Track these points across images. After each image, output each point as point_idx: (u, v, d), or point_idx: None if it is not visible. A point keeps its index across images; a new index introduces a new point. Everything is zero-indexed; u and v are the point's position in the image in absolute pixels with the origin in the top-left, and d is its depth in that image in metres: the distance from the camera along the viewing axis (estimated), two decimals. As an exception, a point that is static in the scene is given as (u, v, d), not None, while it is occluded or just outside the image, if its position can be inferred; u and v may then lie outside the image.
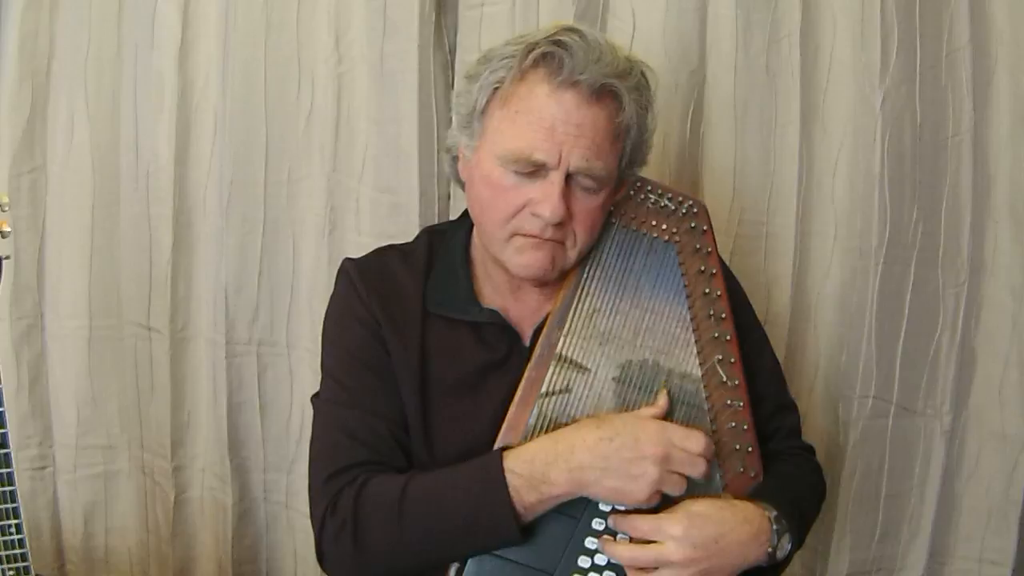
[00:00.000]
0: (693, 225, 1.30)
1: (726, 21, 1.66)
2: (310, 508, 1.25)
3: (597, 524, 1.19)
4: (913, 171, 1.71)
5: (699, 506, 1.18)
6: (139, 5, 1.72)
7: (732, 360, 1.27)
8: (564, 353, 1.24)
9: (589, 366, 1.25)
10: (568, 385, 1.24)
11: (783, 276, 1.73)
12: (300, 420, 1.80)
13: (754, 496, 1.23)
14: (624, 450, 1.14)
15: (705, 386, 1.26)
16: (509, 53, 1.20)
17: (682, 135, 1.71)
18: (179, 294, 1.79)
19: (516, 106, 1.19)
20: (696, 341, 1.27)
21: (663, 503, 1.17)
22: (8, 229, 1.34)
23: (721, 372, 1.26)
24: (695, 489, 1.19)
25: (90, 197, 1.76)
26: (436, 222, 1.72)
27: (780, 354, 1.65)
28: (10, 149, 1.72)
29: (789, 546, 1.20)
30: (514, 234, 1.22)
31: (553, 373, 1.23)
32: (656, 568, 1.15)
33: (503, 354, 1.29)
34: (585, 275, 1.28)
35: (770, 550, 1.18)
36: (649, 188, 1.31)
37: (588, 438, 1.16)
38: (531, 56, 1.18)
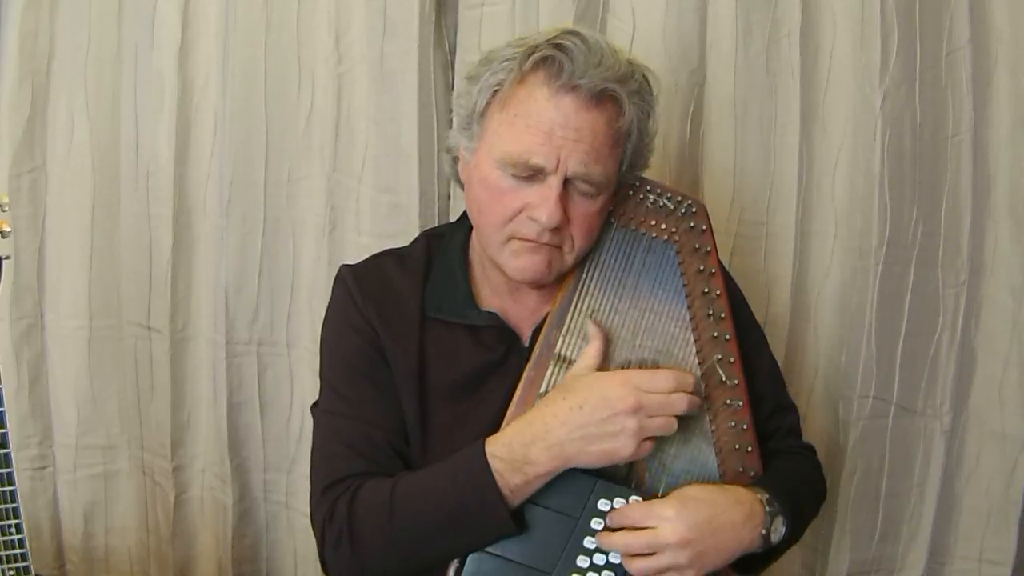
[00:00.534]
0: (692, 225, 1.30)
1: (726, 21, 1.66)
2: (311, 519, 1.26)
3: (596, 524, 1.19)
4: (913, 171, 1.71)
5: (691, 490, 1.19)
6: (139, 5, 1.72)
7: (731, 359, 1.27)
8: (563, 353, 1.24)
9: (588, 366, 1.25)
10: (567, 385, 1.24)
11: (783, 276, 1.73)
12: (300, 420, 1.80)
13: (748, 485, 1.24)
14: (596, 412, 1.14)
15: (704, 385, 1.26)
16: (509, 55, 1.20)
17: (682, 135, 1.71)
18: (179, 294, 1.79)
19: (515, 109, 1.18)
20: (695, 340, 1.27)
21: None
22: (8, 229, 1.34)
23: (720, 371, 1.26)
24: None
25: (90, 197, 1.76)
26: (436, 222, 1.72)
27: (780, 354, 1.65)
28: (10, 149, 1.72)
29: (783, 529, 1.20)
30: (511, 237, 1.22)
31: (552, 373, 1.23)
32: (653, 554, 1.15)
33: (501, 355, 1.29)
34: (584, 275, 1.28)
35: (764, 532, 1.18)
36: (648, 188, 1.31)
37: (559, 412, 1.16)
38: (531, 59, 1.18)
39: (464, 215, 1.35)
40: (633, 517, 1.17)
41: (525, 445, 1.15)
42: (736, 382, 1.27)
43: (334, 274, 1.35)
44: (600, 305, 1.28)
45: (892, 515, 1.83)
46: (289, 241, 1.77)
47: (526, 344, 1.29)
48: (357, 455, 1.24)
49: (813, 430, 1.71)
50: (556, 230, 1.20)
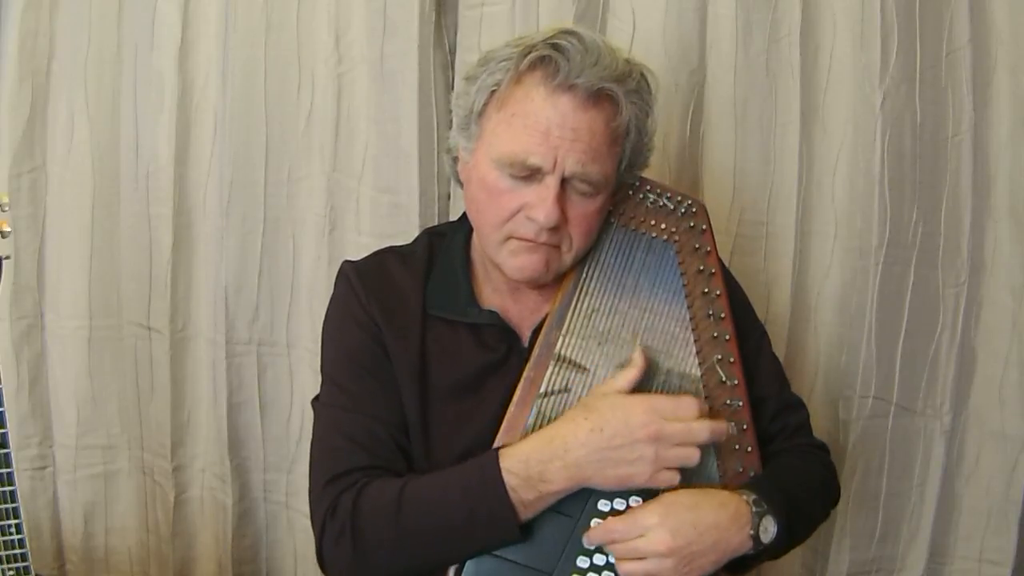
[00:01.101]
0: (692, 224, 1.30)
1: (726, 21, 1.66)
2: (310, 512, 1.25)
3: (596, 524, 1.19)
4: (913, 171, 1.72)
5: (674, 496, 1.18)
6: (139, 5, 1.72)
7: (731, 359, 1.27)
8: (563, 353, 1.24)
9: (588, 366, 1.25)
10: (567, 385, 1.24)
11: (783, 276, 1.73)
12: (300, 420, 1.80)
13: (735, 486, 1.23)
14: (616, 437, 1.14)
15: (704, 386, 1.26)
16: (506, 55, 1.20)
17: (682, 135, 1.71)
18: (179, 294, 1.79)
19: (512, 109, 1.18)
20: (695, 341, 1.27)
21: (684, 481, 1.18)
22: (8, 229, 1.34)
23: (720, 372, 1.26)
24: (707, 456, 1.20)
25: (90, 197, 1.76)
26: (436, 222, 1.72)
27: (780, 354, 1.65)
28: (10, 149, 1.72)
29: (774, 529, 1.18)
30: (509, 237, 1.22)
31: (552, 373, 1.23)
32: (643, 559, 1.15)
33: (502, 355, 1.28)
34: (584, 275, 1.28)
35: (752, 533, 1.17)
36: (648, 187, 1.31)
37: (579, 433, 1.16)
38: (527, 59, 1.18)
39: (465, 214, 1.35)
40: (618, 531, 1.16)
41: (542, 463, 1.15)
42: (736, 382, 1.27)
43: (334, 274, 1.35)
44: (600, 305, 1.27)
45: (892, 515, 1.83)
46: (289, 241, 1.77)
47: (526, 344, 1.29)
48: (359, 448, 1.23)
49: (813, 430, 1.70)
50: (554, 230, 1.20)
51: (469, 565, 1.19)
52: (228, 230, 1.74)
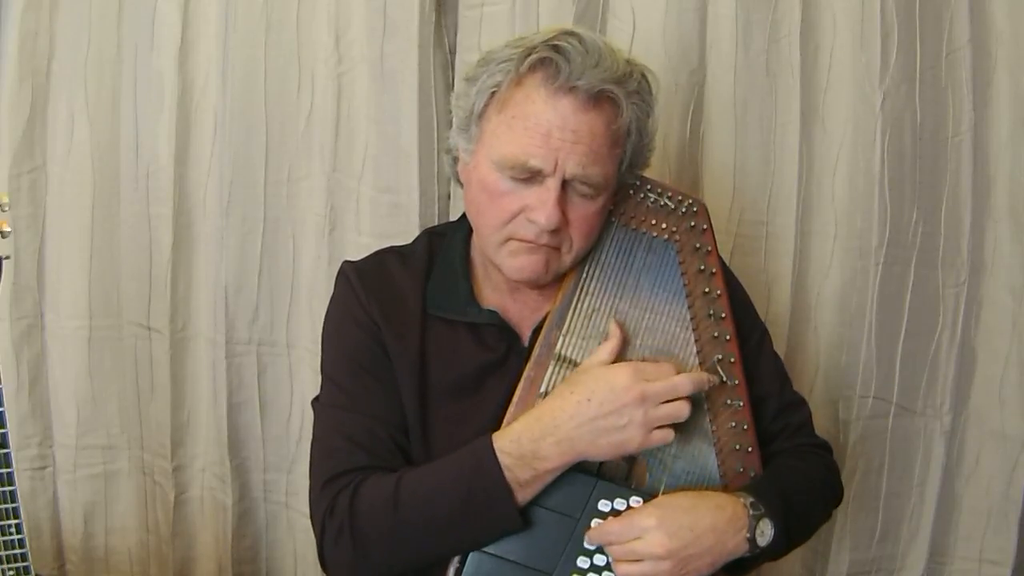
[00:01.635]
0: (693, 224, 1.30)
1: (726, 21, 1.66)
2: (310, 513, 1.25)
3: (596, 524, 1.19)
4: (913, 171, 1.72)
5: (671, 498, 1.19)
6: (139, 5, 1.72)
7: (732, 359, 1.27)
8: (563, 353, 1.24)
9: (588, 366, 1.25)
10: (567, 385, 1.24)
11: (783, 276, 1.73)
12: (300, 420, 1.80)
13: (734, 489, 1.23)
14: (604, 405, 1.15)
15: (704, 385, 1.26)
16: (506, 57, 1.20)
17: (682, 135, 1.71)
18: (179, 294, 1.79)
19: (512, 111, 1.18)
20: (696, 340, 1.27)
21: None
22: (8, 229, 1.34)
23: (721, 372, 1.26)
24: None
25: (90, 197, 1.76)
26: (436, 222, 1.72)
27: (780, 354, 1.64)
28: (10, 149, 1.72)
29: (771, 532, 1.19)
30: (509, 238, 1.22)
31: (552, 373, 1.23)
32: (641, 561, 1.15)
33: (502, 355, 1.28)
34: (584, 274, 1.28)
35: (749, 536, 1.17)
36: (649, 187, 1.31)
37: (567, 407, 1.16)
38: (528, 61, 1.17)
39: (465, 214, 1.35)
40: (614, 532, 1.17)
41: (534, 440, 1.15)
42: (736, 382, 1.27)
43: (334, 274, 1.35)
44: (600, 304, 1.27)
45: (892, 515, 1.83)
46: (289, 241, 1.77)
47: (526, 344, 1.29)
48: (359, 448, 1.23)
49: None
50: (555, 232, 1.20)
51: (469, 565, 1.19)
52: (228, 230, 1.74)
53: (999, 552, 1.81)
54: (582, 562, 1.19)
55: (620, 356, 1.24)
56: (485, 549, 1.19)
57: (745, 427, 1.26)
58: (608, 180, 1.22)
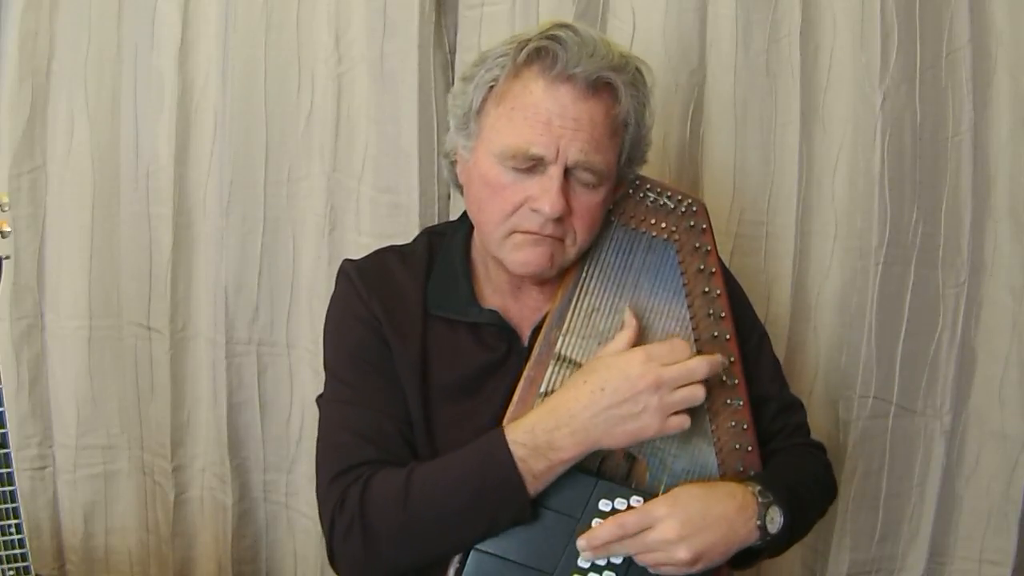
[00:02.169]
0: (692, 224, 1.30)
1: (726, 21, 1.66)
2: (319, 510, 1.24)
3: (597, 524, 1.19)
4: (913, 171, 1.72)
5: (681, 488, 1.19)
6: (139, 5, 1.72)
7: (732, 359, 1.27)
8: (563, 352, 1.24)
9: (588, 365, 1.25)
10: (567, 384, 1.24)
11: (783, 276, 1.73)
12: (300, 420, 1.80)
13: (745, 479, 1.23)
14: (618, 393, 1.15)
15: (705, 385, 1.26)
16: (503, 52, 1.20)
17: (682, 135, 1.71)
18: (179, 294, 1.79)
19: (512, 103, 1.18)
20: (695, 340, 1.27)
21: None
22: (8, 229, 1.34)
23: (720, 371, 1.26)
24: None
25: (90, 197, 1.76)
26: (436, 222, 1.72)
27: (780, 354, 1.65)
28: (10, 149, 1.72)
29: (781, 519, 1.19)
30: (513, 231, 1.21)
31: (552, 372, 1.23)
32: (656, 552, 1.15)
33: (502, 354, 1.28)
34: (584, 274, 1.28)
35: (759, 523, 1.18)
36: (648, 186, 1.31)
37: (581, 397, 1.16)
38: (524, 52, 1.18)
39: (465, 214, 1.35)
40: (629, 523, 1.16)
41: (549, 431, 1.15)
42: (736, 382, 1.27)
43: (334, 274, 1.35)
44: (600, 304, 1.27)
45: (892, 515, 1.83)
46: (289, 241, 1.77)
47: (526, 344, 1.29)
48: (367, 443, 1.23)
49: (813, 430, 1.69)
50: (558, 222, 1.19)
51: (470, 565, 1.19)
52: (228, 230, 1.74)
53: (999, 552, 1.81)
54: (583, 562, 1.19)
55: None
56: (486, 549, 1.19)
57: (745, 427, 1.26)
58: (610, 169, 1.21)
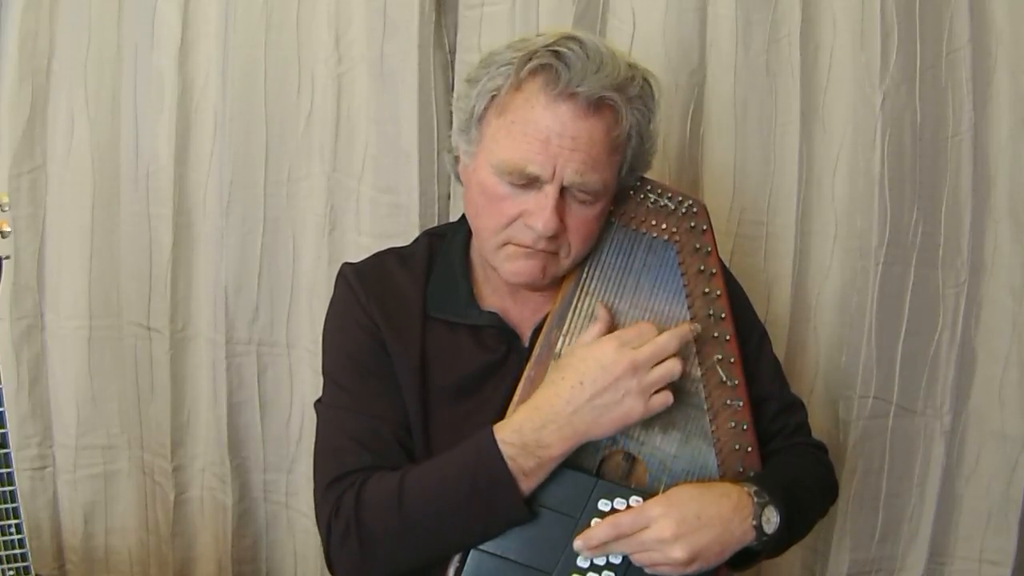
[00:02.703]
0: (693, 225, 1.30)
1: (726, 21, 1.66)
2: (316, 516, 1.25)
3: (596, 524, 1.19)
4: (913, 171, 1.72)
5: (677, 489, 1.19)
6: (139, 5, 1.72)
7: (732, 360, 1.27)
8: (563, 353, 1.24)
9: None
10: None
11: (783, 276, 1.73)
12: (300, 420, 1.81)
13: (741, 480, 1.23)
14: (598, 383, 1.16)
15: (704, 386, 1.26)
16: (507, 60, 1.19)
17: (682, 135, 1.71)
18: (179, 294, 1.79)
19: (512, 116, 1.18)
20: (695, 340, 1.27)
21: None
22: (8, 229, 1.34)
23: (720, 372, 1.26)
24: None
25: (90, 197, 1.76)
26: (436, 222, 1.72)
27: (780, 354, 1.65)
28: (10, 149, 1.72)
29: (777, 519, 1.19)
30: (507, 243, 1.22)
31: (552, 372, 1.23)
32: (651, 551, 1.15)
33: (502, 355, 1.28)
34: (584, 275, 1.28)
35: (755, 523, 1.18)
36: (649, 187, 1.31)
37: (562, 392, 1.17)
38: (528, 66, 1.17)
39: (465, 215, 1.35)
40: (624, 523, 1.17)
41: (536, 430, 1.16)
42: (736, 382, 1.27)
43: (334, 274, 1.35)
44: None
45: (892, 515, 1.83)
46: (289, 241, 1.77)
47: (526, 344, 1.29)
48: (363, 449, 1.23)
49: (813, 430, 1.70)
50: (552, 237, 1.20)
51: (469, 564, 1.19)
52: (228, 230, 1.74)
53: (999, 552, 1.81)
54: (582, 561, 1.19)
55: None
56: (486, 549, 1.19)
57: (745, 427, 1.26)
58: (607, 186, 1.21)
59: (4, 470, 1.34)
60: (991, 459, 1.80)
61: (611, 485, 1.20)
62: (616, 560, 1.19)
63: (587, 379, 1.16)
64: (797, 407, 1.41)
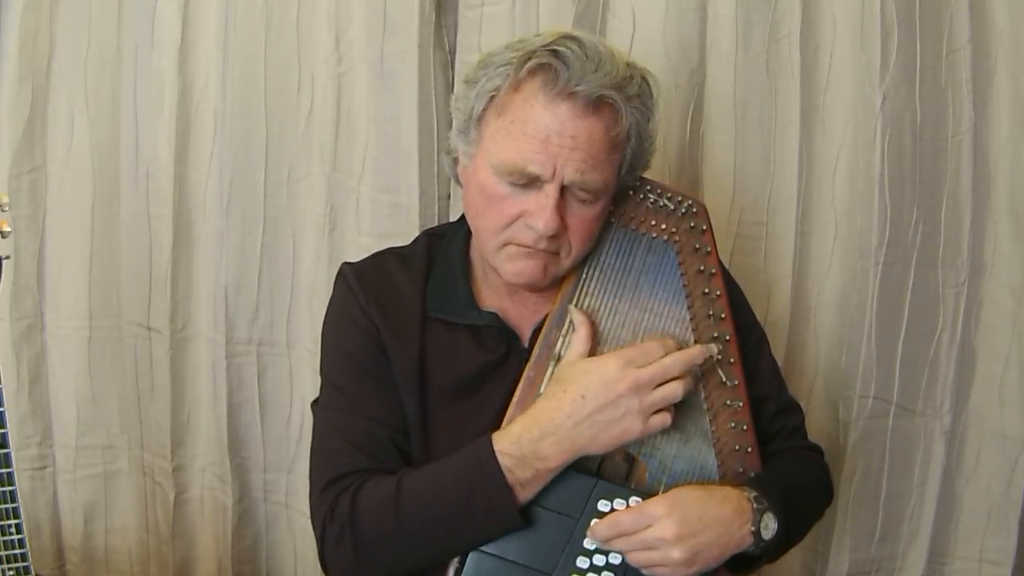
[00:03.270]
0: (692, 225, 1.30)
1: (726, 21, 1.66)
2: (311, 517, 1.25)
3: (595, 523, 1.19)
4: (913, 171, 1.72)
5: (679, 490, 1.20)
6: (139, 5, 1.72)
7: (731, 360, 1.27)
8: (563, 353, 1.24)
9: (588, 366, 1.25)
10: (566, 385, 1.24)
11: (783, 276, 1.73)
12: (300, 420, 1.80)
13: (737, 484, 1.24)
14: (600, 399, 1.16)
15: (704, 386, 1.26)
16: (506, 60, 1.19)
17: (682, 135, 1.71)
18: (179, 294, 1.79)
19: (511, 116, 1.18)
20: (695, 341, 1.27)
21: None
22: (8, 229, 1.33)
23: (720, 372, 1.26)
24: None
25: (90, 197, 1.76)
26: (436, 222, 1.72)
27: (780, 354, 1.66)
28: (10, 149, 1.72)
29: (775, 525, 1.19)
30: (507, 243, 1.21)
31: (551, 373, 1.23)
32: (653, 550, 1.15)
33: (502, 355, 1.28)
34: (584, 275, 1.28)
35: (754, 529, 1.18)
36: (648, 188, 1.31)
37: (564, 406, 1.16)
38: (527, 66, 1.17)
39: (464, 215, 1.35)
40: (625, 522, 1.17)
41: (534, 441, 1.16)
42: (736, 383, 1.27)
43: (334, 274, 1.35)
44: (600, 305, 1.27)
45: (892, 515, 1.83)
46: (289, 241, 1.77)
47: (526, 344, 1.29)
48: (359, 451, 1.23)
49: (813, 430, 1.69)
50: (553, 237, 1.20)
51: (469, 564, 1.19)
52: (228, 230, 1.74)
53: (999, 552, 1.81)
54: (582, 562, 1.19)
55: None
56: (485, 549, 1.19)
57: (745, 428, 1.26)
58: (607, 185, 1.21)
59: (4, 470, 1.34)
60: (991, 459, 1.80)
61: (611, 486, 1.20)
62: (616, 561, 1.19)
63: (589, 394, 1.16)
64: (795, 409, 1.42)
